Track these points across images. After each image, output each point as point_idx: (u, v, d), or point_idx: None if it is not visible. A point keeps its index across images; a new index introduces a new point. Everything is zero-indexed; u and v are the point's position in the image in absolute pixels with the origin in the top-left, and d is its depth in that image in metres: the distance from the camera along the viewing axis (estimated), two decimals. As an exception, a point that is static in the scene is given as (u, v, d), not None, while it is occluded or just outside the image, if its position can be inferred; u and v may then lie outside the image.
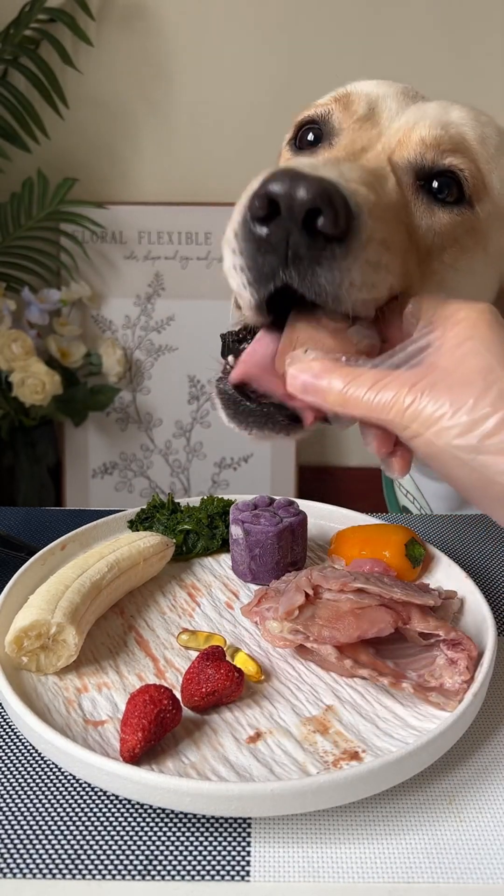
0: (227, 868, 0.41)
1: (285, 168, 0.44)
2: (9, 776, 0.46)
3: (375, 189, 0.49)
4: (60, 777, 0.46)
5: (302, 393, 0.46)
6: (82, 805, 0.44)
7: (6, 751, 0.48)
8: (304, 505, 0.71)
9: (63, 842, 0.42)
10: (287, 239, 0.44)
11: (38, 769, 0.47)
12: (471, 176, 0.56)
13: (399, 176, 0.54)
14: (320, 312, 0.48)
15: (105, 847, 0.41)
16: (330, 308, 0.47)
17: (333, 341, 0.47)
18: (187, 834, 0.42)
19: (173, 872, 0.40)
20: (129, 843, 0.42)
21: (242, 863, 0.41)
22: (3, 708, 0.51)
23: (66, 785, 0.45)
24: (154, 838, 0.42)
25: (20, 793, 0.45)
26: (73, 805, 0.44)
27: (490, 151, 0.58)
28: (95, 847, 0.41)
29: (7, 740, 0.49)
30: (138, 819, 0.43)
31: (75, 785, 0.45)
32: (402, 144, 0.56)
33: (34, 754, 0.48)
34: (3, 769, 0.47)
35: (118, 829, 0.43)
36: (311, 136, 0.61)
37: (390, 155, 0.55)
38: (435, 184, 0.55)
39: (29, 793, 0.45)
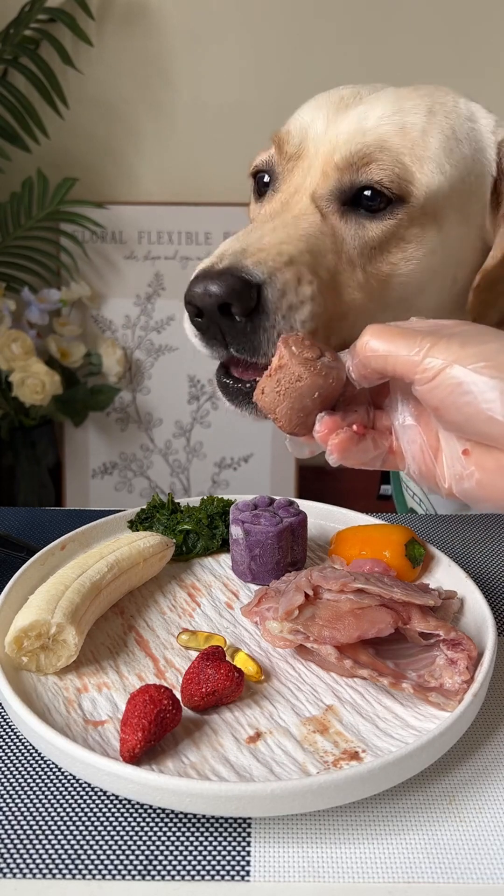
0: (227, 868, 0.41)
1: (200, 271, 0.55)
2: (9, 776, 0.46)
3: (289, 243, 0.56)
4: (60, 777, 0.46)
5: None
6: (82, 805, 0.44)
7: (6, 751, 0.48)
8: (304, 505, 0.71)
9: (63, 842, 0.42)
10: (219, 325, 0.55)
11: (38, 769, 0.47)
12: (389, 180, 0.58)
13: (322, 208, 0.60)
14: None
15: (105, 847, 0.41)
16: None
17: (303, 369, 0.49)
18: (187, 834, 0.42)
19: (173, 872, 0.40)
20: (129, 843, 0.42)
21: (242, 863, 0.41)
22: (3, 708, 0.51)
23: (66, 785, 0.45)
24: (154, 838, 0.42)
25: (20, 793, 0.45)
26: (73, 805, 0.44)
27: (414, 137, 0.59)
28: (95, 847, 0.41)
29: (7, 740, 0.49)
30: (138, 819, 0.43)
31: (75, 785, 0.45)
32: (325, 175, 0.60)
33: (34, 754, 0.48)
34: (3, 769, 0.47)
35: (118, 829, 0.43)
36: (266, 179, 0.67)
37: (314, 191, 0.60)
38: (367, 192, 0.59)
39: (29, 793, 0.45)
